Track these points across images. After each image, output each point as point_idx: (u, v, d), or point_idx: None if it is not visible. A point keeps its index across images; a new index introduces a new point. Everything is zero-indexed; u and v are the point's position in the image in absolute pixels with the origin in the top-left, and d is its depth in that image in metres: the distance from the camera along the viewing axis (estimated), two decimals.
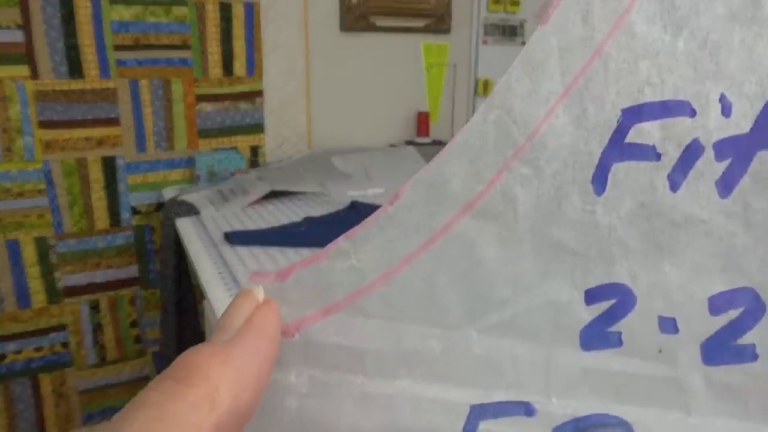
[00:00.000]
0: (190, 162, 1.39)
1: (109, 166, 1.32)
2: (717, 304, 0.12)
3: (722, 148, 0.11)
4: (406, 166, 1.41)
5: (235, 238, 0.91)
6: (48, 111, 1.24)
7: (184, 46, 1.34)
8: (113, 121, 1.31)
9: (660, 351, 0.13)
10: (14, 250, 1.27)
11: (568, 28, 0.11)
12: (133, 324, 1.43)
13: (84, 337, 1.38)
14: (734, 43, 0.10)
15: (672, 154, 0.11)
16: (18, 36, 1.19)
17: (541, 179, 0.12)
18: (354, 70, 1.56)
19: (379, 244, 0.13)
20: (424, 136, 1.59)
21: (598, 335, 0.13)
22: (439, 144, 1.58)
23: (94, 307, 1.38)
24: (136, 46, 1.30)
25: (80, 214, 1.32)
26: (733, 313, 0.12)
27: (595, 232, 0.12)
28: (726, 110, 0.11)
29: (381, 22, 1.55)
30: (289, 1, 1.43)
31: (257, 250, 0.88)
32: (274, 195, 1.20)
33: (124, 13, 1.27)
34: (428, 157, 1.46)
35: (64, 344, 1.36)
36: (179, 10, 1.32)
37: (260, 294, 0.14)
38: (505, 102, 0.12)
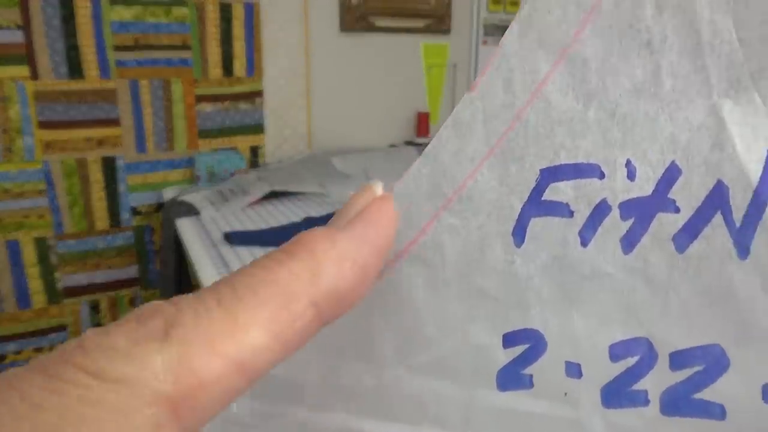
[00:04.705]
0: (190, 162, 1.39)
1: (109, 166, 1.32)
2: (616, 352, 0.13)
3: (627, 208, 0.12)
4: (406, 167, 1.41)
5: (235, 238, 0.91)
6: (48, 111, 1.24)
7: (184, 47, 1.34)
8: (113, 122, 1.31)
9: (565, 394, 0.14)
10: (14, 250, 1.27)
11: (492, 95, 0.13)
12: None
13: None
14: (639, 115, 0.12)
15: (583, 212, 0.13)
16: (18, 36, 1.19)
17: (468, 230, 0.14)
18: (354, 71, 1.56)
19: None
20: (424, 137, 1.59)
21: (512, 377, 0.14)
22: None
23: (94, 308, 1.38)
24: (136, 47, 1.30)
25: (80, 215, 1.32)
26: (630, 361, 0.13)
27: (513, 281, 0.14)
28: (631, 174, 0.12)
29: (381, 22, 1.55)
30: (289, 1, 1.43)
31: (257, 251, 0.88)
32: (274, 195, 1.20)
33: (124, 13, 1.27)
34: None
35: None
36: (179, 11, 1.32)
37: (378, 189, 0.15)
38: (438, 157, 0.14)
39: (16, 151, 1.23)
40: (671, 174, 0.11)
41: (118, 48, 1.28)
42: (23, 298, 1.30)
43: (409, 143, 1.59)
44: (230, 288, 0.12)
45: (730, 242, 0.11)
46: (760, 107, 0.10)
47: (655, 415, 0.14)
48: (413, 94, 1.66)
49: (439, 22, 1.63)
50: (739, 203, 0.10)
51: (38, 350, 1.34)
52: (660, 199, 0.11)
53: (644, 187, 0.11)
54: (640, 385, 0.13)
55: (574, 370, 0.14)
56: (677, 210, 0.11)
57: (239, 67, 1.41)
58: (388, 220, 0.14)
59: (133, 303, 1.41)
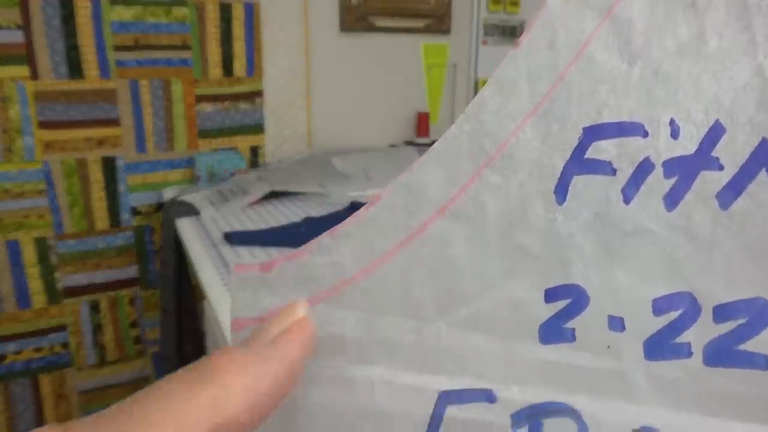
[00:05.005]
0: (190, 162, 1.39)
1: (109, 166, 1.32)
2: (660, 306, 0.14)
3: (670, 166, 0.12)
4: (406, 167, 1.41)
5: (235, 238, 0.91)
6: (48, 111, 1.24)
7: (184, 47, 1.34)
8: (113, 122, 1.31)
9: (608, 347, 0.15)
10: (14, 250, 1.27)
11: (536, 54, 0.13)
12: (133, 324, 1.43)
13: (84, 337, 1.38)
14: (683, 74, 0.12)
15: (626, 170, 0.13)
16: (18, 36, 1.19)
17: (509, 187, 0.14)
18: (354, 70, 1.56)
19: (359, 241, 0.15)
20: (424, 137, 1.59)
21: (554, 330, 0.15)
22: None
23: (94, 308, 1.38)
24: (136, 47, 1.30)
25: (80, 215, 1.32)
26: (673, 314, 0.13)
27: (555, 238, 0.14)
28: (675, 133, 0.12)
29: (381, 22, 1.55)
30: (289, 1, 1.43)
31: (257, 251, 0.88)
32: (274, 195, 1.20)
33: (124, 13, 1.27)
34: None
35: (64, 345, 1.36)
36: (179, 11, 1.32)
37: (301, 310, 0.15)
38: (479, 115, 0.14)
39: (16, 151, 1.23)
40: (715, 132, 0.11)
41: (118, 48, 1.28)
42: (23, 298, 1.30)
43: (409, 143, 1.58)
44: (128, 415, 0.12)
45: None
46: None
47: (698, 366, 0.14)
48: (413, 94, 1.66)
49: (439, 22, 1.63)
50: None
51: (38, 350, 1.34)
52: (704, 158, 0.11)
53: (688, 145, 0.11)
54: (683, 338, 0.14)
55: (616, 323, 0.14)
56: (721, 168, 0.11)
57: (239, 67, 1.41)
58: (303, 348, 0.14)
59: (133, 303, 1.42)
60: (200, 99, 1.38)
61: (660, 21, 0.12)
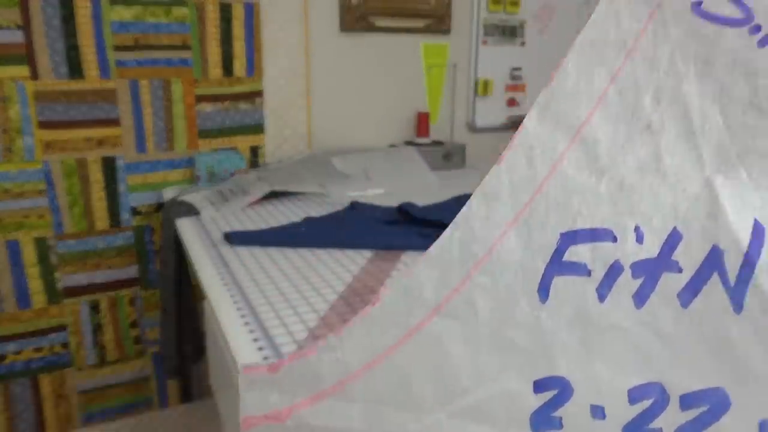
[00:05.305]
0: (190, 162, 1.39)
1: (109, 166, 1.32)
2: (634, 395, 0.15)
3: (637, 268, 0.14)
4: (406, 167, 1.41)
5: (234, 238, 0.91)
6: (48, 111, 1.24)
7: (184, 47, 1.34)
8: (113, 122, 1.31)
9: None
10: (14, 250, 1.27)
11: (517, 169, 0.15)
12: (133, 324, 1.43)
13: (84, 337, 1.38)
14: (644, 187, 0.14)
15: (599, 271, 0.14)
16: (18, 36, 1.19)
17: (497, 288, 0.16)
18: (354, 70, 1.56)
19: (362, 339, 0.16)
20: (424, 137, 1.59)
21: (544, 419, 0.16)
22: (439, 144, 1.58)
23: (94, 308, 1.38)
24: (136, 47, 1.30)
25: (80, 215, 1.32)
26: (646, 403, 0.15)
27: (540, 333, 0.16)
28: (639, 238, 0.14)
29: (381, 22, 1.55)
30: (289, 1, 1.43)
31: (257, 251, 0.88)
32: (274, 195, 1.20)
33: (124, 13, 1.27)
34: (428, 157, 1.46)
35: (64, 345, 1.36)
36: (179, 11, 1.32)
37: None
38: (468, 222, 0.16)
39: (16, 151, 1.23)
40: (673, 239, 0.12)
41: (118, 48, 1.28)
42: (23, 298, 1.30)
43: (409, 143, 1.58)
44: None
45: (726, 299, 0.12)
46: (747, 182, 0.12)
47: None
48: (413, 94, 1.66)
49: (439, 22, 1.63)
50: (732, 265, 0.12)
51: (38, 350, 1.34)
52: (665, 261, 0.12)
53: (651, 249, 0.13)
54: (655, 424, 0.15)
55: (598, 412, 0.15)
56: (680, 270, 0.12)
57: (239, 67, 1.41)
58: None
59: (133, 303, 1.42)
60: (200, 99, 1.38)
61: (621, 141, 0.13)
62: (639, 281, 0.12)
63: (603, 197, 0.12)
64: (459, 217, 0.15)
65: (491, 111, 1.76)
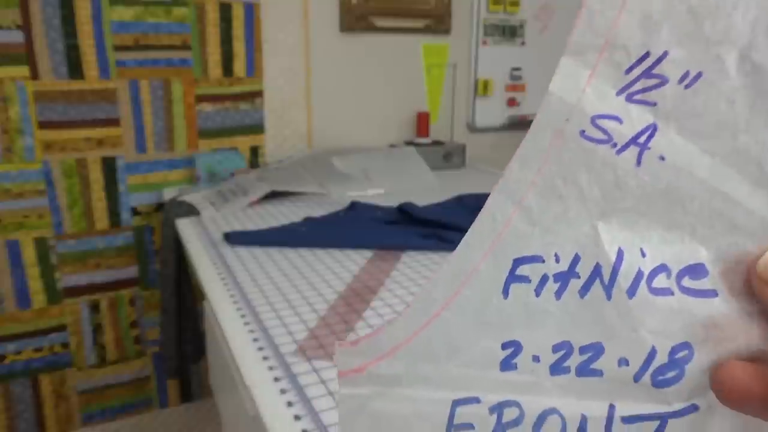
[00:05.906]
0: (190, 162, 1.39)
1: (109, 166, 1.32)
2: (555, 348, 0.20)
3: (556, 277, 0.20)
4: (406, 167, 1.41)
5: (234, 238, 0.91)
6: (48, 111, 1.24)
7: (184, 47, 1.34)
8: (113, 122, 1.31)
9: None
10: (14, 250, 1.27)
11: (485, 225, 0.20)
12: (133, 324, 1.43)
13: (84, 337, 1.38)
14: (559, 230, 0.20)
15: (535, 280, 0.20)
16: (18, 36, 1.19)
17: (482, 287, 0.21)
18: (354, 70, 1.56)
19: (397, 327, 0.22)
20: (424, 137, 1.59)
21: (508, 364, 0.21)
22: (439, 144, 1.58)
23: (94, 308, 1.38)
24: (136, 47, 1.30)
25: (80, 215, 1.32)
26: (561, 352, 0.20)
27: (504, 317, 0.21)
28: (557, 260, 0.20)
29: (381, 22, 1.55)
30: (289, 1, 1.43)
31: (257, 251, 0.88)
32: (274, 195, 1.20)
33: (124, 13, 1.27)
34: (428, 157, 1.46)
35: (64, 345, 1.36)
36: (179, 11, 1.32)
37: None
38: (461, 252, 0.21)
39: (16, 151, 1.23)
40: (576, 259, 0.20)
41: (118, 48, 1.28)
42: (23, 298, 1.30)
43: (409, 143, 1.58)
44: None
45: (603, 293, 0.19)
46: (615, 226, 0.19)
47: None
48: (413, 94, 1.66)
49: (439, 22, 1.63)
50: (606, 273, 0.19)
51: (38, 350, 1.34)
52: (571, 272, 0.20)
53: (563, 265, 0.20)
54: (566, 364, 0.20)
55: (536, 359, 0.20)
56: (579, 277, 0.20)
57: (239, 67, 1.41)
58: None
59: (133, 303, 1.42)
60: (200, 99, 1.38)
61: (544, 206, 0.20)
62: (557, 284, 0.20)
63: (536, 236, 0.20)
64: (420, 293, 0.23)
65: (491, 111, 1.76)
